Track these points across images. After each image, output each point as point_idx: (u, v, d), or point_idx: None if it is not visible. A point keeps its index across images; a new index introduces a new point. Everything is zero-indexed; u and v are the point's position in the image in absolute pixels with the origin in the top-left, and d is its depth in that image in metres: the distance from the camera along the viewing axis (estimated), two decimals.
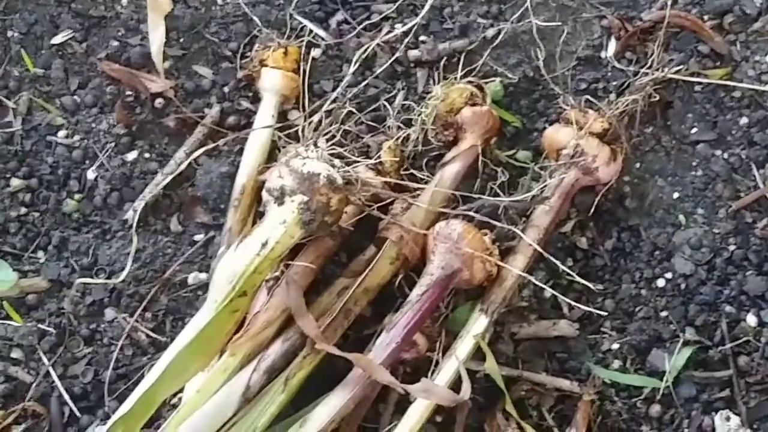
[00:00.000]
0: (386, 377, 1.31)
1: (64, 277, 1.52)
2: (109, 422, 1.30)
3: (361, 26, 1.58)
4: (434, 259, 1.38)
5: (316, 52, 1.58)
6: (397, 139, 1.48)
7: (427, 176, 1.47)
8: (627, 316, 1.48)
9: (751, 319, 1.45)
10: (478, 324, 1.39)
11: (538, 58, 1.55)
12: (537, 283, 1.40)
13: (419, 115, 1.49)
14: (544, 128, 1.52)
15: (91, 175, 1.55)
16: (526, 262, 1.41)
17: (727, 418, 1.42)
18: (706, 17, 1.56)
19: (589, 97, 1.49)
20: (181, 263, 1.52)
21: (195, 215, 1.53)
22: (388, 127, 1.50)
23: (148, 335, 1.49)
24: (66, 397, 1.48)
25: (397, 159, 1.46)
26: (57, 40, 1.61)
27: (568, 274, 1.40)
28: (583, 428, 1.42)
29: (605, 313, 1.47)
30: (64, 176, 1.56)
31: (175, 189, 1.54)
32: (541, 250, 1.39)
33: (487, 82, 1.52)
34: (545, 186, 1.42)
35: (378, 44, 1.52)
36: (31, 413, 1.48)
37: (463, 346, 1.38)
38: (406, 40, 1.55)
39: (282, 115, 1.56)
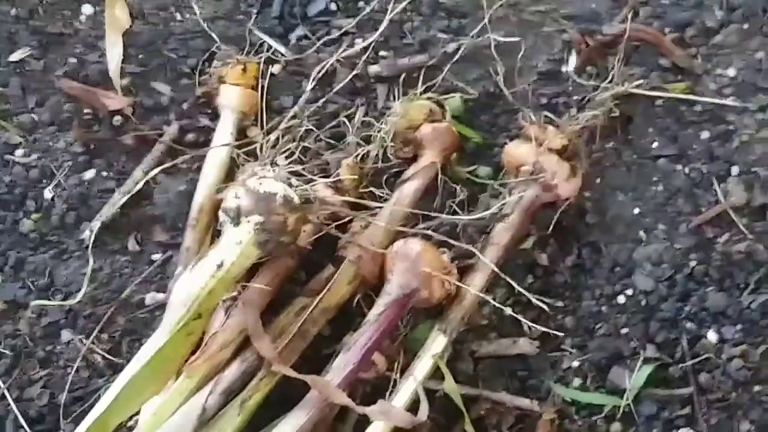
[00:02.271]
0: (343, 399, 1.30)
1: (20, 298, 1.51)
2: None
3: (321, 42, 1.57)
4: (392, 279, 1.37)
5: (275, 68, 1.58)
6: (357, 156, 1.47)
7: (387, 194, 1.46)
8: (587, 334, 1.47)
9: (712, 336, 1.44)
10: (436, 343, 1.38)
11: (499, 73, 1.54)
12: (495, 303, 1.39)
13: (379, 131, 1.48)
14: (505, 144, 1.52)
15: (48, 194, 1.54)
16: (486, 279, 1.40)
17: None
18: (667, 30, 1.56)
19: (549, 112, 1.49)
20: (139, 283, 1.50)
21: (153, 234, 1.52)
22: (348, 143, 1.49)
23: (104, 357, 1.48)
24: (21, 420, 1.46)
25: (356, 177, 1.46)
26: (14, 57, 1.60)
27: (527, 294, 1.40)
28: None
29: (562, 334, 1.46)
30: (21, 196, 1.54)
31: (133, 208, 1.53)
32: (498, 271, 1.39)
33: (447, 98, 1.52)
34: (505, 203, 1.42)
35: (338, 60, 1.52)
36: None
37: (422, 365, 1.37)
38: (366, 56, 1.55)
39: (241, 132, 1.55)
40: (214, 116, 1.56)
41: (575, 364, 1.46)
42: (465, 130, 1.53)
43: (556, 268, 1.49)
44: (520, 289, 1.38)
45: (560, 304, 1.48)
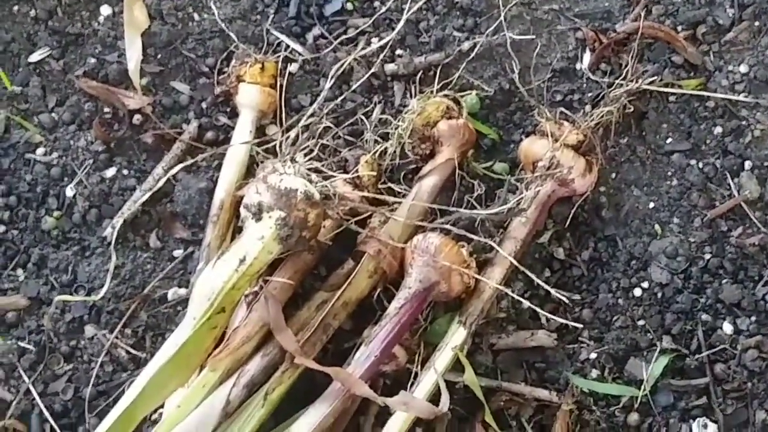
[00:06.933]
0: (365, 390, 1.31)
1: (43, 295, 1.52)
2: None
3: (338, 41, 1.59)
4: (412, 273, 1.39)
5: (293, 67, 1.59)
6: (375, 152, 1.48)
7: (405, 189, 1.48)
8: (604, 326, 1.49)
9: (727, 327, 1.46)
10: (456, 336, 1.40)
11: (514, 70, 1.55)
12: (514, 295, 1.41)
13: (396, 128, 1.49)
14: (521, 140, 1.54)
15: (69, 192, 1.55)
16: (504, 273, 1.42)
17: (705, 426, 1.44)
18: (679, 28, 1.57)
19: (564, 108, 1.50)
20: (161, 279, 1.52)
21: (174, 231, 1.54)
22: (366, 140, 1.51)
23: (128, 352, 1.49)
24: (47, 414, 1.48)
25: (375, 173, 1.47)
26: (34, 57, 1.61)
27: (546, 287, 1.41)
28: None
29: (579, 326, 1.47)
30: (42, 194, 1.56)
31: (154, 205, 1.54)
32: (517, 264, 1.40)
33: (463, 95, 1.53)
34: (522, 198, 1.43)
35: (355, 59, 1.53)
36: (11, 431, 1.48)
37: (442, 358, 1.39)
38: (383, 55, 1.56)
39: (260, 130, 1.56)
40: (233, 115, 1.57)
41: (593, 355, 1.47)
42: (481, 127, 1.54)
43: (573, 262, 1.51)
44: (539, 282, 1.39)
45: (577, 297, 1.50)
